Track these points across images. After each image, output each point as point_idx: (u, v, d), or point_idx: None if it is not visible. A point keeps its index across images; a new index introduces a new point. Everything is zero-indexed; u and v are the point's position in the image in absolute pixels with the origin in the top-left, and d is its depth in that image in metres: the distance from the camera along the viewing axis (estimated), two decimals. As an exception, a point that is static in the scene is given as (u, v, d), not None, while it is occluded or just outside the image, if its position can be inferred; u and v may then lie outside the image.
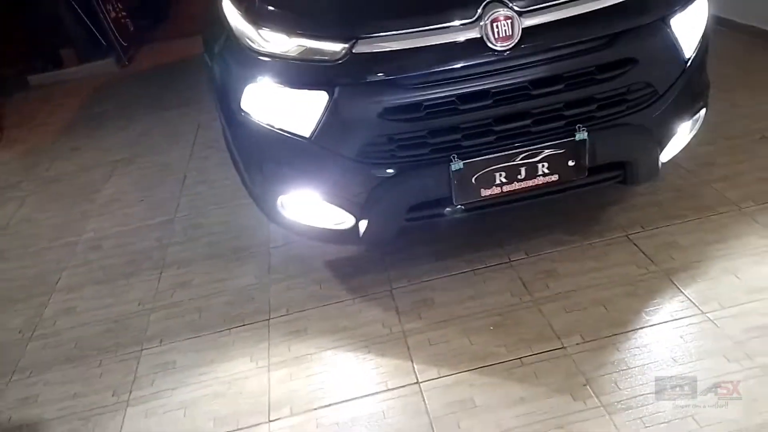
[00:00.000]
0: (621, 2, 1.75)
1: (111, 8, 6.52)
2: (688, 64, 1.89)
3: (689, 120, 2.01)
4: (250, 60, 1.84)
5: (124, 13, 6.80)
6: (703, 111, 2.07)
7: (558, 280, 2.17)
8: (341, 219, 1.94)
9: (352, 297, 2.25)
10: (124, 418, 1.92)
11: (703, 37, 1.95)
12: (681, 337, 1.86)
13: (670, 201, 2.46)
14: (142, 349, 2.18)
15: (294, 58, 1.77)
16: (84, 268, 2.74)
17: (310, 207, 1.96)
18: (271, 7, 1.89)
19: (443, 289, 2.21)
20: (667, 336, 1.88)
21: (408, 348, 1.99)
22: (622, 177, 1.97)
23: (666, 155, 2.03)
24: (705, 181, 2.56)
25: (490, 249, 2.37)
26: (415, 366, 1.91)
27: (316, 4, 1.87)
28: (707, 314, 1.91)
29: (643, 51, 1.77)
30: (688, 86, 1.91)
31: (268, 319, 2.21)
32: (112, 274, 2.65)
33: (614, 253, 2.24)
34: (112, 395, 2.01)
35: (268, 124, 1.85)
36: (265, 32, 1.82)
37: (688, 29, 1.86)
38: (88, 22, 6.18)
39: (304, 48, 1.76)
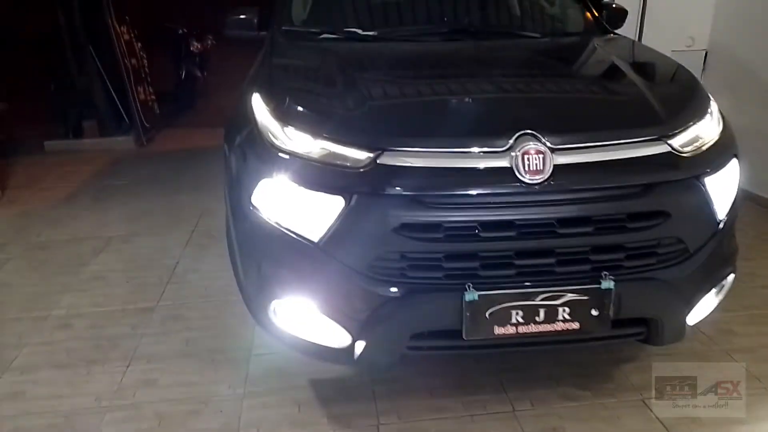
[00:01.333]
0: (658, 154, 1.71)
1: (141, 90, 6.74)
2: (720, 225, 1.80)
3: (718, 283, 1.89)
4: (270, 155, 1.76)
5: (153, 97, 7.03)
6: (731, 276, 1.96)
7: (568, 441, 1.93)
8: (336, 336, 1.76)
9: (333, 427, 2.01)
10: None
11: (735, 201, 1.88)
12: None
13: (687, 369, 2.26)
14: (85, 455, 1.90)
15: (315, 160, 1.69)
16: (47, 348, 2.50)
17: (304, 317, 1.79)
18: (300, 108, 1.86)
19: (436, 432, 1.97)
20: None
21: (388, 501, 1.71)
22: (644, 336, 1.81)
23: (693, 318, 1.88)
24: (725, 350, 2.39)
25: (491, 393, 2.15)
26: None
27: (347, 111, 1.83)
28: None
29: (676, 206, 1.69)
30: (719, 248, 1.81)
31: (235, 440, 1.95)
32: (75, 359, 2.41)
33: (628, 418, 2.03)
34: (36, 508, 1.71)
35: (276, 222, 1.73)
36: (290, 130, 1.76)
37: (721, 191, 1.80)
38: (116, 99, 6.36)
39: (328, 152, 1.69)
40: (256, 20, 2.70)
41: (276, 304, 1.82)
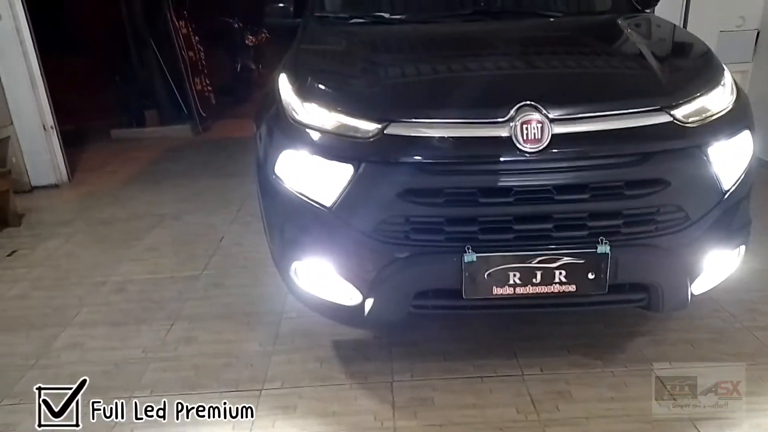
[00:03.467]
0: (658, 124, 1.75)
1: (198, 81, 7.12)
2: (726, 196, 1.82)
3: (725, 254, 1.90)
4: (291, 129, 1.93)
5: (209, 88, 7.40)
6: (742, 248, 1.96)
7: (570, 404, 2.01)
8: (349, 295, 1.91)
9: (350, 382, 2.16)
10: (91, 463, 1.85)
11: (747, 173, 1.89)
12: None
13: (705, 342, 2.29)
14: (131, 397, 2.14)
15: (329, 132, 1.84)
16: (103, 308, 2.79)
17: (320, 278, 1.95)
18: (320, 86, 2.01)
19: (445, 391, 2.09)
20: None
21: (395, 446, 1.86)
22: (645, 302, 1.86)
23: (698, 288, 1.90)
24: (747, 327, 2.38)
25: (503, 358, 2.24)
26: (398, 467, 1.78)
27: (361, 87, 1.96)
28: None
29: (676, 174, 1.73)
30: (725, 219, 1.83)
31: (261, 389, 2.14)
32: (127, 318, 2.67)
33: (636, 386, 2.07)
34: (90, 437, 1.96)
35: (295, 190, 1.89)
36: (310, 106, 1.92)
37: (727, 161, 1.82)
38: (176, 91, 6.76)
39: (340, 123, 1.83)
40: (291, 8, 2.88)
41: (296, 265, 1.99)
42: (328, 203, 1.82)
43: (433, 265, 1.79)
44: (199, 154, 5.79)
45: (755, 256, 2.88)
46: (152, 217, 3.96)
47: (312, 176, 1.86)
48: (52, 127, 4.84)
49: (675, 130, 1.75)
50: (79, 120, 6.41)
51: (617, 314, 2.45)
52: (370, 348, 2.35)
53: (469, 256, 1.72)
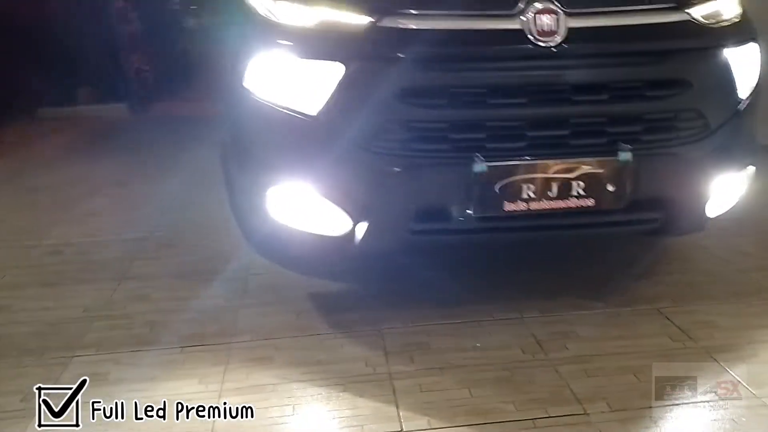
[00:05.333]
0: (677, 21, 1.61)
1: (136, 59, 6.64)
2: (741, 107, 1.70)
3: (738, 172, 1.79)
4: (260, 30, 1.67)
5: (147, 67, 6.91)
6: (752, 169, 1.86)
7: (578, 343, 1.84)
8: (336, 221, 1.66)
9: (334, 331, 1.91)
10: (26, 428, 1.51)
11: (756, 86, 1.78)
12: (733, 420, 1.50)
13: (703, 284, 2.18)
14: (72, 356, 1.80)
15: (311, 28, 1.59)
16: (34, 270, 2.41)
17: (301, 204, 1.69)
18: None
19: (441, 335, 1.88)
20: (715, 417, 1.52)
21: (394, 391, 1.62)
22: (661, 223, 1.71)
23: (712, 209, 1.78)
24: (741, 269, 2.29)
25: (499, 302, 2.05)
26: (400, 412, 1.54)
27: None
28: (764, 399, 1.56)
29: (697, 75, 1.61)
30: (740, 132, 1.73)
31: (230, 343, 1.85)
32: (63, 279, 2.31)
33: (643, 324, 1.93)
34: (21, 401, 1.61)
35: (270, 102, 1.63)
36: (283, 3, 1.66)
37: (741, 69, 1.71)
38: (112, 68, 6.25)
39: (324, 18, 1.59)
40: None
41: (272, 192, 1.72)
42: (312, 111, 1.57)
43: (437, 178, 1.57)
44: (137, 132, 5.33)
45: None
46: (91, 184, 3.53)
47: (291, 82, 1.61)
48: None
49: (693, 29, 1.63)
50: (2, 97, 5.80)
51: (612, 258, 2.32)
52: (351, 299, 2.11)
53: (480, 166, 1.52)
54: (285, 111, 1.61)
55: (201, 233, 2.69)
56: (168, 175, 3.66)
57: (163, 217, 2.90)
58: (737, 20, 1.77)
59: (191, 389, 1.63)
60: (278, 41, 1.61)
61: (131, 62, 6.52)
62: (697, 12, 1.65)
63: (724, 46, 1.65)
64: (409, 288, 2.13)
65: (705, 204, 1.73)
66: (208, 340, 1.87)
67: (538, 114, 1.55)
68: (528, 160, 1.54)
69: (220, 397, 1.60)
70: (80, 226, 2.86)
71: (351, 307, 2.04)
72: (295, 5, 1.63)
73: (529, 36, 1.51)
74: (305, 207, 1.69)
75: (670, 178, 1.66)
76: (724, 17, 1.73)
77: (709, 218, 1.79)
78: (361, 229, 1.63)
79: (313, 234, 1.73)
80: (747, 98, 1.75)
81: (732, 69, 1.66)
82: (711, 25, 1.66)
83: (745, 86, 1.74)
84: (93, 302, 2.12)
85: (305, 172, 1.64)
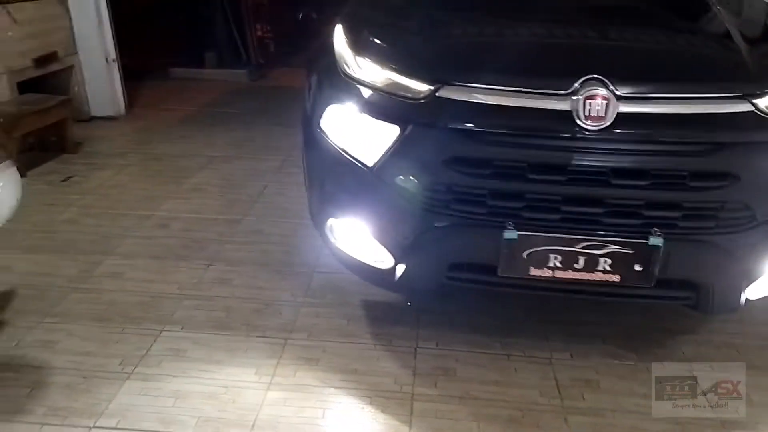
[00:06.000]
0: (737, 113, 1.60)
1: (260, 27, 7.08)
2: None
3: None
4: (340, 83, 1.87)
5: (269, 35, 7.35)
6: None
7: (596, 394, 1.94)
8: (381, 257, 1.88)
9: (375, 343, 2.15)
10: (119, 389, 1.92)
11: None
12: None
13: (753, 349, 2.16)
14: (162, 330, 2.20)
15: (378, 89, 1.78)
16: (146, 241, 2.86)
17: (354, 237, 1.92)
18: (374, 40, 1.93)
19: (470, 364, 2.06)
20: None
21: (411, 413, 1.84)
22: (693, 301, 1.76)
23: (754, 292, 1.78)
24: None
25: (533, 339, 2.19)
26: (412, 433, 1.77)
27: (417, 45, 1.88)
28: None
29: (748, 169, 1.59)
30: (796, 223, 1.68)
31: (287, 339, 2.16)
32: (167, 253, 2.74)
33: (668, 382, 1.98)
34: (119, 364, 2.03)
35: (338, 146, 1.85)
36: (362, 60, 1.85)
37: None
38: (236, 35, 6.75)
39: (392, 81, 1.76)
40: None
41: (332, 222, 1.97)
42: (370, 163, 1.78)
43: (471, 239, 1.73)
44: (254, 100, 5.79)
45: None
46: (202, 158, 4.00)
47: (357, 134, 1.81)
48: (114, 60, 4.93)
49: (755, 120, 1.60)
50: (141, 56, 6.49)
51: (660, 309, 2.34)
52: (399, 312, 2.33)
53: (510, 233, 1.65)
54: (348, 157, 1.82)
55: (285, 224, 3.03)
56: (271, 153, 4.05)
57: (257, 203, 3.28)
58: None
59: (247, 378, 1.97)
60: (350, 95, 1.82)
61: (254, 30, 6.98)
62: (764, 102, 1.62)
63: None
64: (453, 309, 2.32)
65: (741, 289, 1.74)
66: (269, 332, 2.19)
67: (574, 192, 1.63)
68: (557, 234, 1.65)
69: (268, 389, 1.92)
70: (187, 201, 3.31)
71: (396, 320, 2.27)
72: (372, 64, 1.81)
73: (577, 119, 1.59)
74: (356, 240, 1.92)
75: (704, 264, 1.69)
76: None
77: (744, 302, 1.78)
78: (401, 269, 1.84)
79: (363, 262, 1.96)
80: None
81: None
82: None
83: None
84: (187, 280, 2.53)
85: (359, 212, 1.85)
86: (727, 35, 1.86)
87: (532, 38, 1.91)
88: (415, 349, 2.12)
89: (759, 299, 1.83)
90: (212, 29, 6.62)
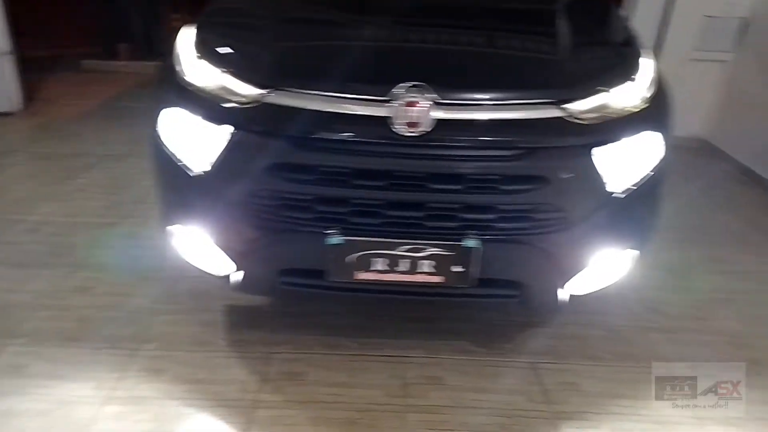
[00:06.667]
0: (547, 118, 1.64)
1: (177, 17, 6.87)
2: (614, 200, 1.72)
3: (609, 259, 1.83)
4: (175, 85, 1.83)
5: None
6: (633, 253, 1.88)
7: (440, 391, 1.99)
8: (220, 264, 1.86)
9: (228, 350, 2.14)
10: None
11: (650, 178, 1.78)
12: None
13: (595, 339, 2.26)
14: (8, 344, 2.12)
15: (210, 93, 1.74)
16: (9, 248, 2.74)
17: (193, 244, 1.89)
18: (213, 43, 1.88)
19: (321, 367, 2.07)
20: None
21: (251, 421, 1.84)
22: (518, 299, 1.81)
23: (574, 289, 1.84)
24: (645, 328, 2.34)
25: (390, 337, 2.22)
26: (242, 440, 1.77)
27: (253, 49, 1.85)
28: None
29: (557, 173, 1.64)
30: (610, 222, 1.75)
31: (136, 349, 2.11)
32: (30, 261, 2.63)
33: (511, 378, 2.05)
34: (-47, 380, 1.94)
35: (172, 151, 1.81)
36: (201, 63, 1.81)
37: (621, 163, 1.72)
38: (150, 26, 6.53)
39: (223, 86, 1.73)
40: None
41: (171, 228, 1.93)
42: (201, 169, 1.74)
43: (299, 244, 1.73)
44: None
45: (672, 252, 2.85)
46: (93, 157, 3.86)
47: (189, 139, 1.78)
48: (10, 53, 4.68)
49: (564, 126, 1.64)
50: (51, 47, 6.22)
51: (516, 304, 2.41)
52: (260, 315, 2.32)
53: (335, 238, 1.66)
54: (182, 163, 1.78)
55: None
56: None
57: (141, 205, 3.18)
58: (635, 109, 1.75)
59: (84, 392, 1.91)
60: (182, 98, 1.78)
61: (171, 20, 6.77)
62: (575, 108, 1.66)
63: (596, 143, 1.66)
64: (315, 309, 2.32)
65: (560, 288, 1.80)
66: (119, 343, 2.14)
67: (394, 198, 1.64)
68: (379, 238, 1.67)
69: (104, 403, 1.87)
70: (67, 203, 3.19)
71: (255, 325, 2.26)
72: (210, 67, 1.77)
73: (395, 125, 1.59)
74: (195, 247, 1.89)
75: (518, 264, 1.74)
76: (614, 109, 1.71)
77: (567, 298, 1.84)
78: (239, 275, 1.82)
79: (200, 270, 1.94)
80: (628, 189, 1.75)
81: (602, 166, 1.66)
82: (588, 122, 1.66)
83: (626, 179, 1.74)
84: (45, 288, 2.44)
85: (195, 218, 1.82)
86: (554, 41, 1.90)
87: (362, 43, 1.90)
88: (269, 354, 2.12)
89: (587, 294, 1.90)
90: (127, 19, 6.39)
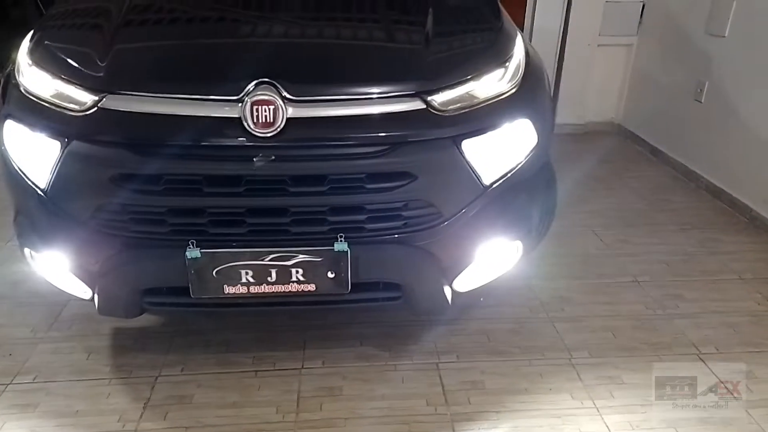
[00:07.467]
0: (408, 111, 1.56)
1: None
2: (489, 191, 1.66)
3: (490, 251, 1.76)
4: (17, 94, 1.67)
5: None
6: (518, 244, 1.83)
7: (336, 402, 1.90)
8: (78, 287, 1.72)
9: (111, 377, 1.99)
10: None
11: (523, 166, 1.72)
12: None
13: (501, 333, 2.21)
14: None
15: (44, 100, 1.59)
16: None
17: (51, 265, 1.74)
18: (51, 47, 1.72)
19: (211, 387, 1.95)
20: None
21: (128, 451, 1.71)
22: (402, 301, 1.73)
23: (461, 285, 1.78)
24: (552, 318, 2.31)
25: (289, 349, 2.11)
26: (119, 476, 1.63)
27: (89, 52, 1.67)
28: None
29: (424, 167, 1.56)
30: (489, 215, 1.68)
31: (7, 384, 1.94)
32: None
33: (413, 381, 1.98)
34: None
35: (17, 166, 1.66)
36: (34, 69, 1.66)
37: (493, 154, 1.65)
38: None
39: (57, 92, 1.59)
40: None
41: (28, 251, 1.77)
42: (42, 185, 1.60)
43: (156, 261, 1.60)
44: None
45: (579, 239, 2.85)
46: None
47: (27, 152, 1.63)
48: None
49: (427, 119, 1.56)
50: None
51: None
52: (151, 337, 2.18)
53: (193, 252, 1.54)
54: (27, 179, 1.63)
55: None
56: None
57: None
58: (502, 98, 1.68)
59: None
60: (19, 107, 1.63)
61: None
62: (438, 99, 1.58)
63: (463, 135, 1.58)
64: (209, 328, 2.20)
65: (446, 286, 1.73)
66: (-9, 378, 1.97)
67: (253, 204, 1.54)
68: (241, 248, 1.56)
69: (-34, 447, 1.71)
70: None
71: (144, 347, 2.11)
72: (42, 73, 1.63)
73: (246, 125, 1.49)
74: (53, 268, 1.74)
75: (393, 264, 1.65)
76: (480, 99, 1.64)
77: (453, 296, 1.77)
78: (98, 298, 1.68)
79: (67, 293, 1.79)
80: (502, 179, 1.68)
81: (471, 158, 1.59)
82: (453, 113, 1.58)
83: (499, 169, 1.68)
84: None
85: (45, 240, 1.67)
86: (417, 29, 1.78)
87: (208, 40, 1.78)
88: (156, 378, 1.98)
89: (472, 290, 1.84)
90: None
